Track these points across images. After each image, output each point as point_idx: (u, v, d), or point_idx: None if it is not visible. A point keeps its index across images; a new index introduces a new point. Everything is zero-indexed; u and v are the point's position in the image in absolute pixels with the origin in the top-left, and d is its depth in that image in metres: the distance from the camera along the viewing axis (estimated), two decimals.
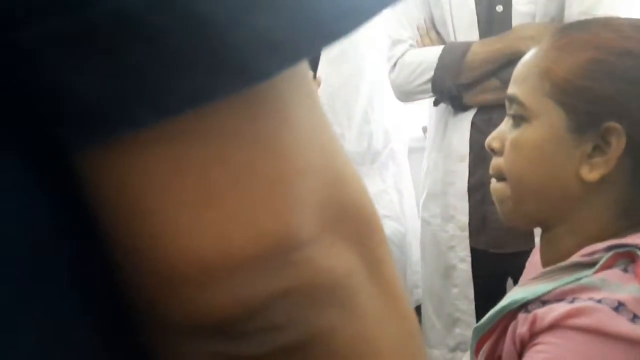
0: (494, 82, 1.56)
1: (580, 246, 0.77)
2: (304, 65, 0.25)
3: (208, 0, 0.21)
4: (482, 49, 1.58)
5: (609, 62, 0.76)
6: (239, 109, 0.23)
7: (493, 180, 0.83)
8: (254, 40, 0.21)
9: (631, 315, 0.68)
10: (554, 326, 0.70)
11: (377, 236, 0.28)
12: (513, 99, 0.80)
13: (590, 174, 0.76)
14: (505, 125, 0.82)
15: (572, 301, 0.71)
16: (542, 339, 0.71)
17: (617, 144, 0.75)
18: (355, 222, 0.26)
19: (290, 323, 0.25)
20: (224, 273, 0.23)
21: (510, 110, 0.81)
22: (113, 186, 0.23)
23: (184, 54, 0.21)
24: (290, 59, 0.22)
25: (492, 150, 0.82)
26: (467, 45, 1.60)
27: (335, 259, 0.25)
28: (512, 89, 0.81)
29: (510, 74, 0.84)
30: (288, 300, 0.25)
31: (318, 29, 0.23)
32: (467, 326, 1.60)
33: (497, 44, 1.56)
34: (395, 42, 1.73)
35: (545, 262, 0.82)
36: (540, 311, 0.72)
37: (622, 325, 0.67)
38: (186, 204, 0.23)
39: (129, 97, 0.21)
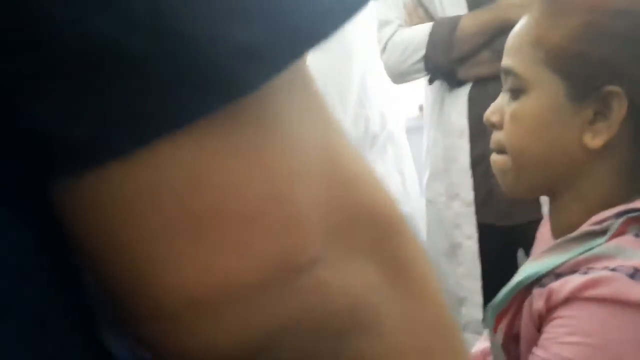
0: (487, 54, 1.55)
1: (589, 213, 0.76)
2: (296, 67, 0.23)
3: (182, 18, 0.20)
4: (471, 22, 1.56)
5: (603, 23, 0.75)
6: (221, 125, 0.21)
7: (493, 153, 0.82)
8: (234, 54, 0.20)
9: None
10: (570, 299, 0.69)
11: (399, 237, 0.26)
12: (508, 71, 0.79)
13: (594, 141, 0.75)
14: (503, 98, 0.80)
15: (586, 272, 0.69)
16: (560, 312, 0.70)
17: (619, 108, 0.74)
18: (369, 226, 0.24)
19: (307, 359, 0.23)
20: (214, 308, 0.21)
21: (507, 82, 0.80)
22: (87, 219, 0.21)
23: (162, 75, 0.20)
24: (274, 68, 0.21)
25: (492, 124, 0.81)
26: (457, 20, 1.58)
27: (350, 275, 0.23)
28: (506, 61, 0.79)
29: (503, 44, 0.82)
30: (299, 334, 0.22)
31: (298, 34, 0.21)
32: (474, 305, 1.58)
33: (486, 15, 1.54)
34: (383, 24, 1.71)
35: (555, 232, 0.81)
36: (555, 284, 0.71)
37: (638, 292, 0.66)
38: (166, 234, 0.21)
39: (108, 127, 0.20)
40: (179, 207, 0.21)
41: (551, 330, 0.70)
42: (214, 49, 0.20)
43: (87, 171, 0.20)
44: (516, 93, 0.78)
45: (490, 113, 0.81)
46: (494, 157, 0.82)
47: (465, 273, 1.63)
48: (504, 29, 1.47)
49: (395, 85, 1.88)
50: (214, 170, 0.21)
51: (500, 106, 0.80)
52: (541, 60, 0.76)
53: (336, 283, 0.23)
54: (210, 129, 0.21)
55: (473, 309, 1.58)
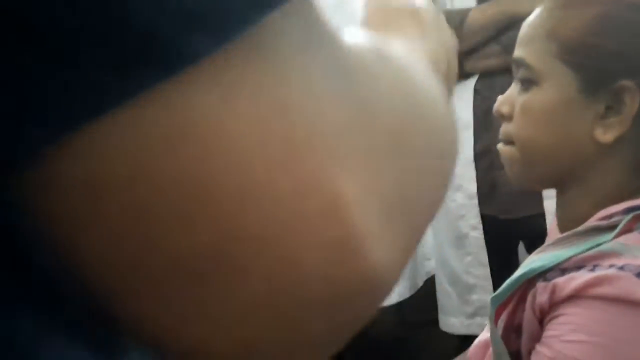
0: (495, 47, 1.54)
1: (597, 208, 0.76)
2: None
3: None
4: (480, 14, 1.55)
5: (618, 16, 0.74)
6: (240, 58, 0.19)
7: (500, 144, 0.82)
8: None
9: None
10: (576, 296, 0.68)
11: None
12: (520, 62, 0.78)
13: (605, 136, 0.75)
14: (514, 89, 0.80)
15: (592, 269, 0.69)
16: (564, 309, 0.69)
17: (632, 103, 0.73)
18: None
19: None
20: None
21: (518, 74, 0.79)
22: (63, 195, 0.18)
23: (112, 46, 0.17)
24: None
25: (502, 115, 0.80)
26: (465, 12, 1.58)
27: None
28: (518, 52, 0.79)
29: (511, 38, 0.82)
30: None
31: None
32: (485, 291, 1.59)
33: (495, 9, 1.53)
34: None
35: (562, 225, 0.81)
36: (560, 280, 0.70)
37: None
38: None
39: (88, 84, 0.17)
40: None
41: (555, 327, 0.70)
42: (153, 15, 0.18)
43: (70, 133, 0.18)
44: (527, 84, 0.78)
45: (500, 104, 0.81)
46: (502, 148, 0.81)
47: (473, 261, 1.64)
48: (513, 22, 1.47)
49: None
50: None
51: (511, 97, 0.80)
52: (554, 52, 0.76)
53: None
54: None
55: (484, 295, 1.59)
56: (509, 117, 0.80)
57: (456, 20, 1.57)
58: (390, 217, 0.22)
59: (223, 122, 0.19)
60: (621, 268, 0.68)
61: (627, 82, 0.73)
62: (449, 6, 1.63)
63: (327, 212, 0.20)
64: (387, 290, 0.23)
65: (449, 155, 0.30)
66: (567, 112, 0.76)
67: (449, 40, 0.44)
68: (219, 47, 0.18)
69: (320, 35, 0.22)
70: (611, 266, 0.68)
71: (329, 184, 0.20)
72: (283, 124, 0.19)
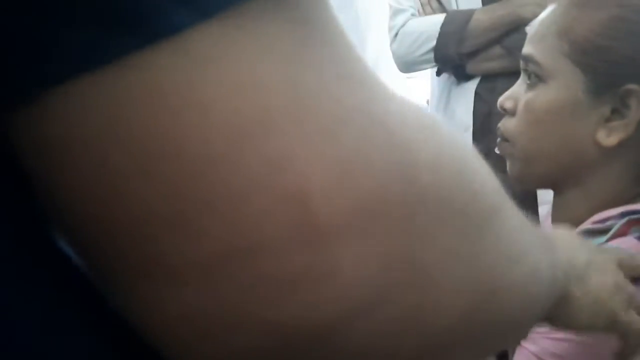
0: (498, 50, 1.54)
1: (593, 212, 0.75)
2: None
3: None
4: (485, 16, 1.55)
5: (632, 20, 0.74)
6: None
7: (499, 139, 0.81)
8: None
9: None
10: None
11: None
12: (529, 59, 0.77)
13: (608, 139, 0.74)
14: (520, 86, 0.79)
15: None
16: None
17: (637, 107, 0.73)
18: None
19: None
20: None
21: (525, 70, 0.78)
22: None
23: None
24: None
25: (504, 109, 0.80)
26: (470, 13, 1.57)
27: None
28: (527, 49, 0.78)
29: (514, 41, 0.82)
30: None
31: None
32: None
33: (500, 11, 1.53)
34: (396, 12, 1.70)
35: (557, 227, 0.81)
36: None
37: (637, 296, 0.66)
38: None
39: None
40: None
41: (542, 325, 0.70)
42: None
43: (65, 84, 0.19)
44: (534, 82, 0.77)
45: (505, 98, 0.80)
46: (501, 144, 0.81)
47: None
48: (517, 26, 1.47)
49: (403, 80, 1.88)
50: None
51: (516, 93, 0.79)
52: (564, 51, 0.75)
53: None
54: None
55: None
56: (511, 113, 0.79)
57: (461, 20, 1.57)
58: (374, 232, 0.21)
59: (193, 90, 0.19)
60: None
61: (634, 87, 0.73)
62: (454, 7, 1.63)
63: (292, 193, 0.20)
64: (359, 317, 0.21)
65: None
66: (572, 112, 0.75)
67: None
68: (201, 21, 0.19)
69: (318, 29, 0.22)
70: None
71: (298, 167, 0.20)
72: (256, 100, 0.20)
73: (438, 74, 1.67)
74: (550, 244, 0.37)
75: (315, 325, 0.21)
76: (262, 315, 0.21)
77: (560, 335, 0.67)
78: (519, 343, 0.28)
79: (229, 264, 0.20)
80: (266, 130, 0.19)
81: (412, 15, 1.68)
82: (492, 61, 1.55)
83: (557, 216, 0.81)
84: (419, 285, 0.23)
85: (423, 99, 2.40)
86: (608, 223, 0.73)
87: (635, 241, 0.71)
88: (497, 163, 0.85)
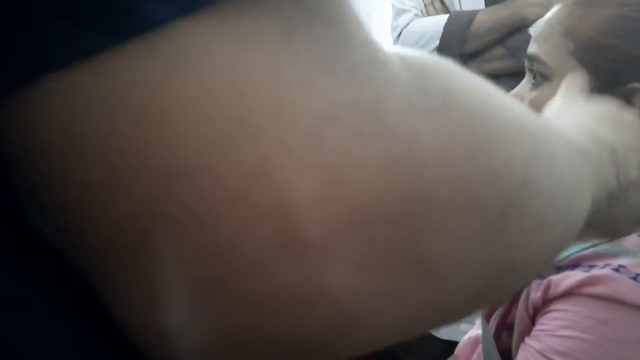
0: (500, 50, 1.54)
1: None
2: None
3: None
4: (488, 17, 1.55)
5: (636, 19, 0.74)
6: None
7: None
8: None
9: None
10: (569, 293, 0.69)
11: None
12: (534, 58, 0.78)
13: None
14: (524, 85, 0.80)
15: (588, 269, 0.69)
16: (556, 305, 0.70)
17: None
18: None
19: None
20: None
21: (530, 69, 0.79)
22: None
23: None
24: None
25: None
26: (473, 14, 1.58)
27: None
28: (532, 48, 0.79)
29: (517, 42, 0.82)
30: None
31: None
32: None
33: (503, 12, 1.53)
34: (400, 12, 1.70)
35: None
36: (555, 277, 0.71)
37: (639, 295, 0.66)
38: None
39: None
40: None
41: (546, 322, 0.70)
42: None
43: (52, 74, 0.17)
44: (539, 81, 0.77)
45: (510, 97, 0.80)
46: None
47: None
48: (519, 27, 1.48)
49: None
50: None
51: (521, 92, 0.80)
52: (569, 50, 0.76)
53: None
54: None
55: None
56: None
57: (464, 21, 1.57)
58: (369, 240, 0.19)
59: (161, 94, 0.17)
60: (616, 269, 0.68)
61: (638, 85, 0.73)
62: (457, 7, 1.63)
63: (272, 204, 0.18)
64: (363, 324, 0.20)
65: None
66: None
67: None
68: (180, 17, 0.17)
69: (321, 29, 0.19)
70: (606, 266, 0.68)
71: (281, 176, 0.18)
72: (231, 103, 0.17)
73: None
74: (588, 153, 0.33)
75: (305, 339, 0.20)
76: (246, 336, 0.19)
77: (565, 332, 0.68)
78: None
79: (204, 289, 0.18)
80: (242, 137, 0.17)
81: (416, 15, 1.69)
82: (495, 62, 1.56)
83: None
84: (425, 283, 0.21)
85: None
86: None
87: (638, 239, 0.71)
88: None
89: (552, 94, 0.77)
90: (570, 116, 0.41)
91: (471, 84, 0.24)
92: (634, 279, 0.67)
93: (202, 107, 0.17)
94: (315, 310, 0.19)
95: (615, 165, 0.39)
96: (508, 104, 0.26)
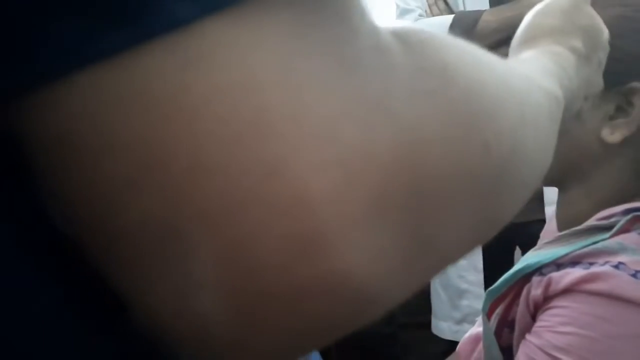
0: (506, 50, 1.54)
1: (597, 209, 0.76)
2: None
3: None
4: (493, 18, 1.55)
5: (635, 19, 0.75)
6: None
7: None
8: None
9: None
10: (569, 290, 0.69)
11: None
12: None
13: (612, 136, 0.75)
14: None
15: (588, 266, 0.69)
16: (556, 302, 0.70)
17: None
18: None
19: None
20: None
21: None
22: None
23: None
24: None
25: None
26: (478, 14, 1.58)
27: None
28: None
29: None
30: None
31: None
32: (475, 297, 1.59)
33: (508, 12, 1.53)
34: (404, 12, 1.70)
35: (561, 225, 0.81)
36: (555, 274, 0.71)
37: (639, 291, 0.66)
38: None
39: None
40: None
41: (546, 319, 0.70)
42: None
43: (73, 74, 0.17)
44: None
45: None
46: None
47: (467, 265, 1.64)
48: None
49: None
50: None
51: None
52: None
53: None
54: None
55: (474, 301, 1.59)
56: None
57: (470, 21, 1.57)
58: (386, 229, 0.20)
59: (184, 92, 0.18)
60: (616, 266, 0.68)
61: (638, 85, 0.74)
62: (461, 8, 1.63)
63: (291, 202, 0.18)
64: (379, 304, 0.21)
65: (515, 181, 0.27)
66: (577, 109, 0.76)
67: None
68: (204, 15, 0.18)
69: (328, 21, 0.20)
70: (606, 263, 0.69)
71: (298, 173, 0.18)
72: (249, 100, 0.18)
73: None
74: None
75: (325, 325, 0.20)
76: (270, 326, 0.20)
77: (564, 328, 0.68)
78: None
79: (231, 282, 0.19)
80: (261, 133, 0.18)
81: (420, 15, 1.69)
82: None
83: (562, 214, 0.82)
84: (429, 254, 0.23)
85: None
86: (612, 220, 0.74)
87: (638, 237, 0.72)
88: None
89: None
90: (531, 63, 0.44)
91: (463, 54, 0.26)
92: (634, 275, 0.68)
93: (221, 104, 0.18)
94: (337, 298, 0.20)
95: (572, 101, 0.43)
96: (496, 68, 0.28)
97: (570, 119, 0.41)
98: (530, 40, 0.49)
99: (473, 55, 0.26)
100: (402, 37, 0.23)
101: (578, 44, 0.47)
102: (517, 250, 1.66)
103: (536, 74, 0.38)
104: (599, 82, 0.53)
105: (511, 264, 1.61)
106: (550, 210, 1.42)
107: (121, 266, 0.19)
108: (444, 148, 0.22)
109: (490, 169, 0.24)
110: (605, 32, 0.51)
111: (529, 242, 1.50)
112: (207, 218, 0.18)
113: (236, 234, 0.18)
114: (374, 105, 0.20)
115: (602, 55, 0.52)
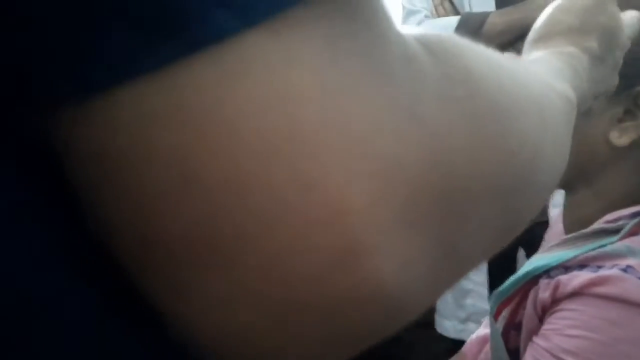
0: (511, 53, 1.55)
1: (604, 211, 0.76)
2: None
3: None
4: (499, 20, 1.56)
5: None
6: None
7: None
8: None
9: None
10: (578, 294, 0.69)
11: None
12: None
13: (620, 139, 0.75)
14: None
15: (596, 269, 0.70)
16: (565, 305, 0.70)
17: None
18: None
19: None
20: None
21: None
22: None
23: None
24: None
25: None
26: (484, 16, 1.58)
27: None
28: None
29: None
30: None
31: None
32: (480, 297, 1.59)
33: (515, 14, 1.54)
34: (410, 13, 1.71)
35: (568, 227, 0.82)
36: (563, 277, 0.71)
37: None
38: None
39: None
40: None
41: (554, 322, 0.71)
42: None
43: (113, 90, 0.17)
44: None
45: None
46: None
47: None
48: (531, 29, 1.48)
49: None
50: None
51: None
52: None
53: None
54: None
55: (479, 300, 1.59)
56: None
57: (476, 23, 1.58)
58: (415, 237, 0.20)
59: (222, 106, 0.18)
60: (624, 269, 0.68)
61: None
62: (467, 9, 1.63)
63: (328, 215, 0.18)
64: (405, 312, 0.21)
65: (533, 182, 0.27)
66: (586, 112, 0.76)
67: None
68: (244, 29, 0.18)
69: (361, 30, 0.20)
70: (614, 266, 0.69)
71: (335, 186, 0.18)
72: (289, 114, 0.18)
73: None
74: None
75: (357, 334, 0.21)
76: (305, 337, 0.20)
77: (573, 332, 0.68)
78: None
79: (267, 296, 0.19)
80: (297, 147, 0.18)
81: (426, 16, 1.69)
82: None
83: (569, 216, 0.83)
84: (454, 261, 0.23)
85: None
86: (620, 223, 0.74)
87: None
88: None
89: None
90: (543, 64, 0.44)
91: (485, 60, 0.26)
92: None
93: (257, 118, 0.18)
94: (370, 307, 0.20)
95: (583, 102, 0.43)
96: (516, 73, 0.28)
97: (579, 117, 0.42)
98: (546, 36, 0.49)
99: (494, 60, 0.27)
100: (426, 45, 0.23)
101: (593, 44, 0.47)
102: (521, 251, 1.66)
103: (550, 76, 0.38)
104: (613, 82, 0.53)
105: (514, 263, 1.62)
106: (554, 212, 1.42)
107: (157, 276, 0.19)
108: (472, 156, 0.22)
109: (514, 175, 0.25)
110: (625, 32, 0.51)
111: (532, 243, 1.51)
112: (245, 231, 0.18)
113: (274, 247, 0.18)
114: (407, 114, 0.20)
115: (619, 55, 0.52)
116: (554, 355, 0.68)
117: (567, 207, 0.83)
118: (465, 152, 0.22)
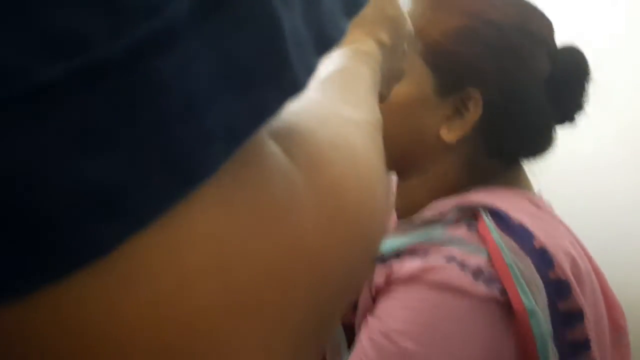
0: None
1: (432, 198, 0.83)
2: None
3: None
4: None
5: (477, 30, 0.79)
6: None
7: None
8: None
9: (471, 273, 0.73)
10: (407, 279, 0.74)
11: None
12: None
13: (448, 135, 0.81)
14: None
15: (424, 257, 0.75)
16: (396, 288, 0.75)
17: (474, 110, 0.80)
18: None
19: None
20: None
21: None
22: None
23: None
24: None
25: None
26: None
27: None
28: None
29: None
30: None
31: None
32: None
33: None
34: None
35: (400, 211, 0.87)
36: (396, 264, 0.76)
37: (465, 282, 0.72)
38: None
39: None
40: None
41: (385, 301, 0.75)
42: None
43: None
44: None
45: None
46: None
47: None
48: None
49: None
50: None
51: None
52: (418, 50, 0.80)
53: None
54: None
55: None
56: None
57: None
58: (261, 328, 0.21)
59: (106, 321, 0.17)
60: (447, 258, 0.74)
61: (473, 91, 0.80)
62: None
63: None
64: None
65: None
66: (420, 108, 0.81)
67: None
68: (128, 236, 0.16)
69: (251, 194, 0.20)
70: (439, 254, 0.75)
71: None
72: (177, 308, 0.18)
73: None
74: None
75: None
76: None
77: (402, 313, 0.72)
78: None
79: None
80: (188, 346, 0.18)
81: None
82: None
83: (400, 202, 0.88)
84: (320, 327, 0.24)
85: None
86: (444, 213, 0.80)
87: (465, 229, 0.78)
88: None
89: (401, 89, 0.80)
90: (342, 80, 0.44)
91: (339, 150, 0.27)
92: (461, 267, 0.74)
93: (140, 324, 0.18)
94: None
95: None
96: (358, 143, 0.29)
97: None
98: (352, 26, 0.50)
99: (340, 137, 0.28)
100: (293, 153, 0.23)
101: (384, 35, 0.49)
102: None
103: (353, 98, 0.39)
104: (402, 72, 0.56)
105: None
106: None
107: None
108: (337, 254, 0.23)
109: (359, 240, 0.26)
110: (409, 23, 0.54)
111: None
112: None
113: None
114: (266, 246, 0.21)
115: (406, 45, 0.55)
116: (384, 334, 0.72)
117: (400, 194, 0.88)
118: (333, 251, 0.23)
